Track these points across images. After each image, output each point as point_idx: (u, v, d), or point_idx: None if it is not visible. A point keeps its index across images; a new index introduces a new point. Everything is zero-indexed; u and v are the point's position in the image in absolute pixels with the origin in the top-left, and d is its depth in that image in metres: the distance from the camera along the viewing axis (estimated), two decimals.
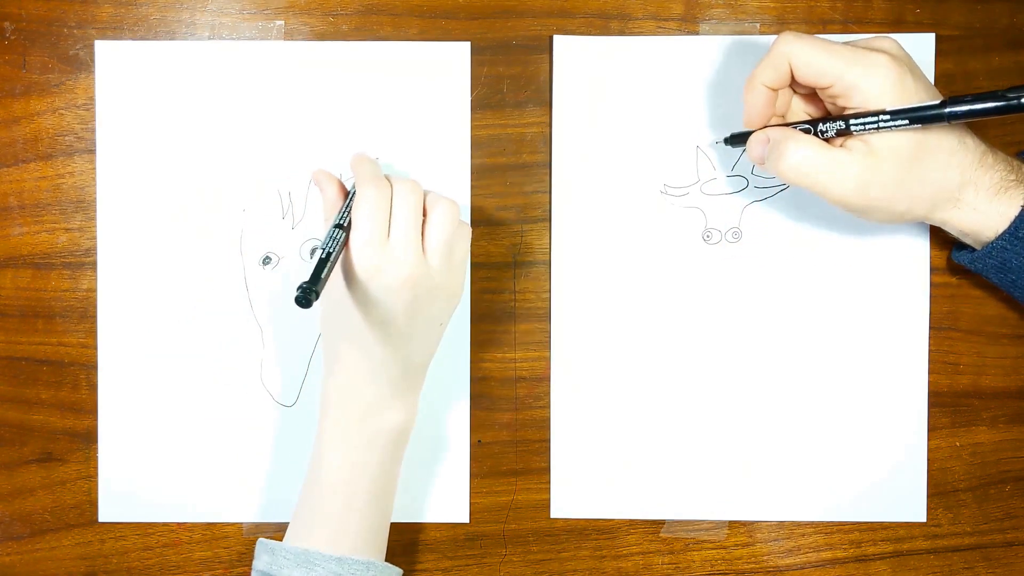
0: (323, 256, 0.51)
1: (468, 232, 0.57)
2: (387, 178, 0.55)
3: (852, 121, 0.53)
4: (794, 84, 0.55)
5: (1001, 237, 0.54)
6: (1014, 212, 0.53)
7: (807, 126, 0.55)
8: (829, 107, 0.55)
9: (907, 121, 0.51)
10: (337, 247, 0.52)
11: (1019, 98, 0.49)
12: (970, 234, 0.56)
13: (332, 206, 0.57)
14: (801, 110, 0.57)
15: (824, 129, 0.54)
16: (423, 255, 0.54)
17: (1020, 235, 0.53)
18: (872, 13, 0.61)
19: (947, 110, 0.51)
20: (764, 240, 0.61)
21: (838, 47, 0.53)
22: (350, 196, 0.55)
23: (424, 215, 0.54)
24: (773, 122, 0.56)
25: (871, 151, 0.53)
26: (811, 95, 0.57)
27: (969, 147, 0.53)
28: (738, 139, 0.58)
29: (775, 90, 0.55)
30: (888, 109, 0.52)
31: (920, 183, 0.53)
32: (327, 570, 0.54)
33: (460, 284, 0.57)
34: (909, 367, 0.61)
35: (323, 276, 0.50)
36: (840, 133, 0.53)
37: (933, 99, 0.52)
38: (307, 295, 0.48)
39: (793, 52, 0.53)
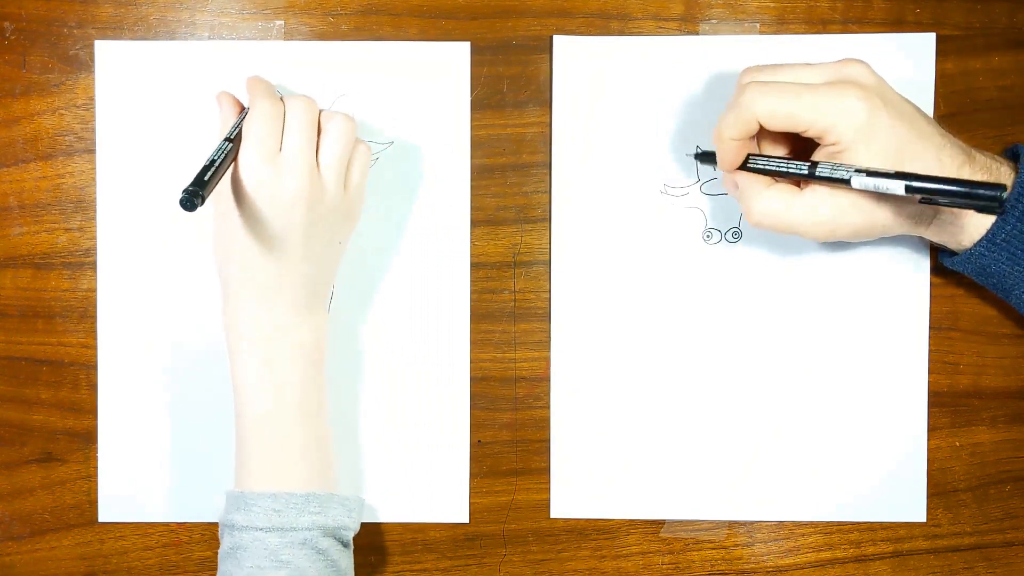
0: (207, 163, 0.50)
1: (367, 151, 0.57)
2: (281, 97, 0.55)
3: (818, 170, 0.52)
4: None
5: (979, 244, 0.54)
6: (989, 221, 0.53)
7: (779, 162, 0.55)
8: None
9: (864, 175, 0.51)
10: (222, 156, 0.51)
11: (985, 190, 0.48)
12: (949, 243, 0.56)
13: (227, 124, 0.56)
14: (772, 142, 0.57)
15: (792, 169, 0.54)
16: (316, 170, 0.54)
17: (997, 241, 0.53)
18: (872, 13, 0.61)
19: (906, 184, 0.50)
20: (764, 240, 0.61)
21: (804, 92, 0.52)
22: (243, 112, 0.55)
23: (320, 133, 0.54)
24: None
25: (837, 191, 0.53)
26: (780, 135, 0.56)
27: (945, 166, 0.52)
28: (708, 156, 0.59)
29: (743, 139, 0.55)
30: (856, 167, 0.51)
31: (892, 215, 0.53)
32: (263, 507, 0.54)
33: (359, 203, 0.57)
34: (909, 367, 0.61)
35: (207, 180, 0.49)
36: (808, 175, 0.53)
37: (909, 119, 0.52)
38: (192, 197, 0.47)
39: (760, 109, 0.52)
